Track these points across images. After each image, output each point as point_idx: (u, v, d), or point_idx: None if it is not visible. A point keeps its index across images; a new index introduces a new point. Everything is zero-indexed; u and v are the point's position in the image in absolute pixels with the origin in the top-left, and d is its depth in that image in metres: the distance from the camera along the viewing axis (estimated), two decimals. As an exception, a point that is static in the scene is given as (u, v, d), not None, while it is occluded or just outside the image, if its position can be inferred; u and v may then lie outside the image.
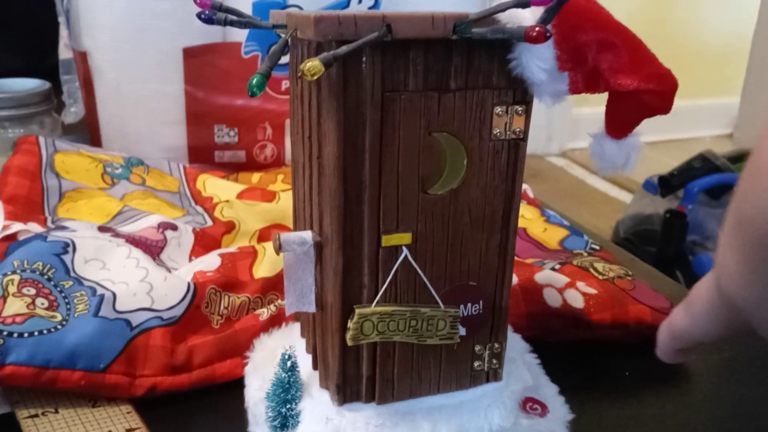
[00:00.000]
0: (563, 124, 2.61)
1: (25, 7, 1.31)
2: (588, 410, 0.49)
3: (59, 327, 0.49)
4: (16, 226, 0.61)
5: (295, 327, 0.50)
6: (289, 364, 0.42)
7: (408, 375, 0.41)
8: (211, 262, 0.60)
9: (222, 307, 0.56)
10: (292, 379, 0.42)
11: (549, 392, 0.46)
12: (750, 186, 0.26)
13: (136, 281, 0.55)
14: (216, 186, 0.84)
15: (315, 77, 0.31)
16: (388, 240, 0.37)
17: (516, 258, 0.52)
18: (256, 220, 0.73)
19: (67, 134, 0.99)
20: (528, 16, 0.34)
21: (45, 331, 0.49)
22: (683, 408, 0.51)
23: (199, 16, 0.38)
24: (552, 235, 0.74)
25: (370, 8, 0.90)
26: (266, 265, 0.60)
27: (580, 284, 0.59)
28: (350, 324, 0.38)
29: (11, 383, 0.47)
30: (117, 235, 0.63)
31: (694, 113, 2.59)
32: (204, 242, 0.67)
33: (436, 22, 0.34)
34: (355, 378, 0.40)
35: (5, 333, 0.48)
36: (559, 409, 0.45)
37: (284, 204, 0.76)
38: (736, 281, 0.28)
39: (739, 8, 2.61)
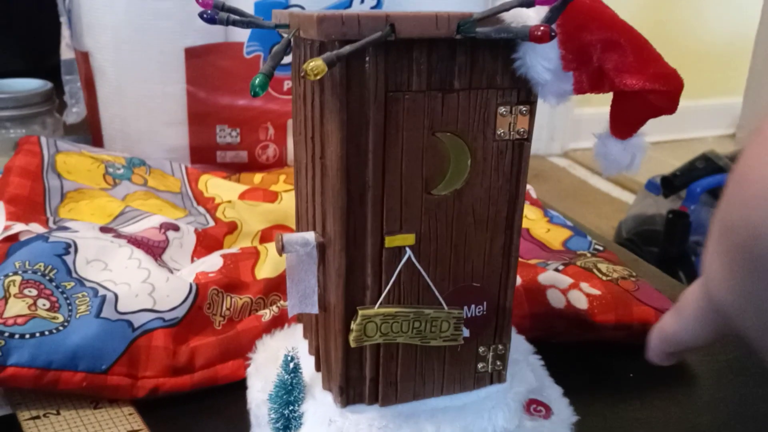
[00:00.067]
0: (565, 124, 2.61)
1: (26, 7, 1.31)
2: (592, 412, 0.48)
3: (61, 328, 0.49)
4: (18, 227, 0.61)
5: (298, 328, 0.50)
6: (291, 365, 0.42)
7: (411, 377, 0.41)
8: (213, 262, 0.59)
9: (224, 308, 0.56)
10: (294, 381, 0.42)
11: (553, 394, 0.46)
12: (733, 194, 0.26)
13: (138, 282, 0.55)
14: (218, 186, 0.84)
15: (318, 77, 0.30)
16: (391, 241, 0.37)
17: (519, 259, 0.51)
18: (258, 220, 0.73)
19: (69, 134, 0.99)
20: (532, 16, 0.34)
21: (46, 333, 0.49)
22: (688, 409, 0.51)
23: (201, 15, 0.38)
24: (555, 236, 0.74)
25: (372, 8, 0.90)
26: (269, 266, 0.59)
27: (584, 285, 0.59)
28: (353, 325, 0.38)
29: (12, 385, 0.47)
30: (119, 235, 0.62)
31: (696, 113, 2.59)
32: (206, 243, 0.67)
33: (440, 22, 0.34)
34: (358, 379, 0.40)
35: (6, 334, 0.48)
36: (564, 411, 0.45)
37: (286, 204, 0.76)
38: (722, 287, 0.29)
39: (742, 8, 2.61)
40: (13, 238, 0.59)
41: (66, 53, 0.98)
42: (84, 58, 0.91)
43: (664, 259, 1.43)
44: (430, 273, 0.39)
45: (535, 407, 0.44)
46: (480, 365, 0.42)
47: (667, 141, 2.48)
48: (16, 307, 0.50)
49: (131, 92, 0.90)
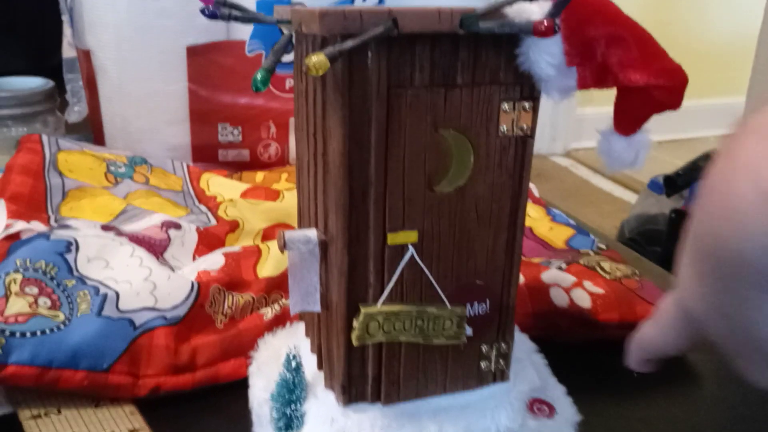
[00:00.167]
0: (568, 123, 2.61)
1: (28, 5, 1.31)
2: (596, 411, 0.48)
3: (62, 326, 0.49)
4: (19, 225, 0.60)
5: (300, 326, 0.49)
6: (293, 364, 0.41)
7: (414, 375, 0.40)
8: (214, 261, 0.59)
9: (226, 306, 0.55)
10: (296, 380, 0.41)
11: (556, 393, 0.46)
12: (702, 206, 0.27)
13: (139, 280, 0.55)
14: (220, 185, 0.84)
15: (320, 72, 0.30)
16: (393, 238, 0.37)
17: (522, 257, 0.51)
18: (260, 219, 0.72)
19: (71, 133, 0.99)
20: (536, 10, 0.33)
21: (47, 331, 0.48)
22: (691, 409, 0.51)
23: (202, 11, 0.38)
24: (558, 234, 0.74)
25: (375, 4, 0.89)
26: (270, 264, 0.59)
27: (587, 284, 0.59)
28: (356, 323, 0.37)
29: (13, 383, 0.47)
30: (120, 233, 0.62)
31: (699, 113, 2.58)
32: (208, 241, 0.67)
33: (443, 17, 0.33)
34: (361, 378, 0.40)
35: (7, 332, 0.48)
36: (567, 410, 0.45)
37: (288, 203, 0.76)
38: (693, 295, 0.30)
39: (745, 8, 2.61)
40: (14, 237, 0.58)
41: (68, 52, 0.98)
42: (86, 56, 0.91)
43: (667, 258, 1.43)
44: (432, 270, 0.38)
45: (539, 406, 0.44)
46: (483, 364, 0.42)
47: (669, 140, 2.48)
48: (17, 306, 0.50)
49: (133, 91, 0.89)
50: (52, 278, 0.53)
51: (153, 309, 0.53)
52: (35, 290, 0.52)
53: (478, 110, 0.36)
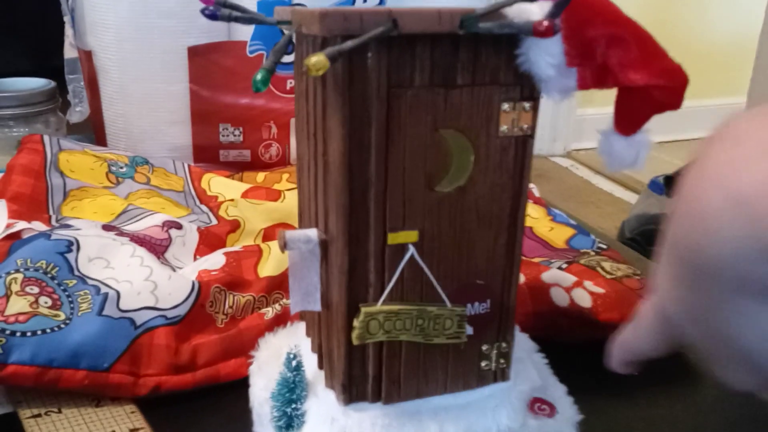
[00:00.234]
0: (568, 124, 2.60)
1: (30, 6, 1.31)
2: (597, 411, 0.48)
3: (62, 326, 0.49)
4: (20, 225, 0.61)
5: (301, 326, 0.49)
6: (294, 363, 0.41)
7: (414, 375, 0.40)
8: (215, 261, 0.59)
9: (227, 306, 0.55)
10: (297, 379, 0.41)
11: (557, 392, 0.46)
12: (677, 211, 0.28)
13: (140, 280, 0.55)
14: (221, 185, 0.84)
15: (320, 72, 0.30)
16: (394, 238, 0.37)
17: (523, 257, 0.51)
18: (261, 219, 0.72)
19: (72, 133, 0.99)
20: (536, 11, 0.33)
21: (48, 330, 0.49)
22: (693, 408, 0.51)
23: (203, 11, 0.38)
24: (559, 234, 0.74)
25: (375, 5, 0.89)
26: (271, 264, 0.59)
27: (588, 283, 0.59)
28: (356, 323, 0.37)
29: (14, 383, 0.47)
30: (121, 233, 0.62)
31: (700, 113, 2.58)
32: (209, 241, 0.67)
33: (443, 17, 0.33)
34: (361, 377, 0.40)
35: (8, 332, 0.48)
36: (568, 410, 0.45)
37: (289, 203, 0.76)
38: (670, 298, 0.30)
39: (746, 8, 2.60)
40: (15, 236, 0.59)
41: (69, 52, 0.98)
42: (87, 56, 0.91)
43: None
44: (433, 270, 0.38)
45: (539, 406, 0.44)
46: (483, 363, 0.42)
47: (670, 141, 2.48)
48: (18, 305, 0.50)
49: (134, 91, 0.90)
50: (52, 278, 0.53)
51: (154, 308, 0.53)
52: (36, 290, 0.52)
53: (478, 110, 0.36)
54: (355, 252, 0.37)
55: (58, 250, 0.55)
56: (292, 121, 0.91)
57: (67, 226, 0.63)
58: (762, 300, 0.26)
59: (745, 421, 0.50)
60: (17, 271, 0.53)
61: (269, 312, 0.55)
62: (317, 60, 0.30)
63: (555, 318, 0.56)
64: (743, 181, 0.24)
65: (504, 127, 0.37)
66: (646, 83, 0.35)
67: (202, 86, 0.88)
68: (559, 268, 0.62)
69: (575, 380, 0.47)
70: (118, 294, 0.53)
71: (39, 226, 0.62)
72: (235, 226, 0.70)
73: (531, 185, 0.84)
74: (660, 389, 0.52)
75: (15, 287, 0.51)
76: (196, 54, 0.87)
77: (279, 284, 0.58)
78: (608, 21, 0.35)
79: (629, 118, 0.38)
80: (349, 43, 0.32)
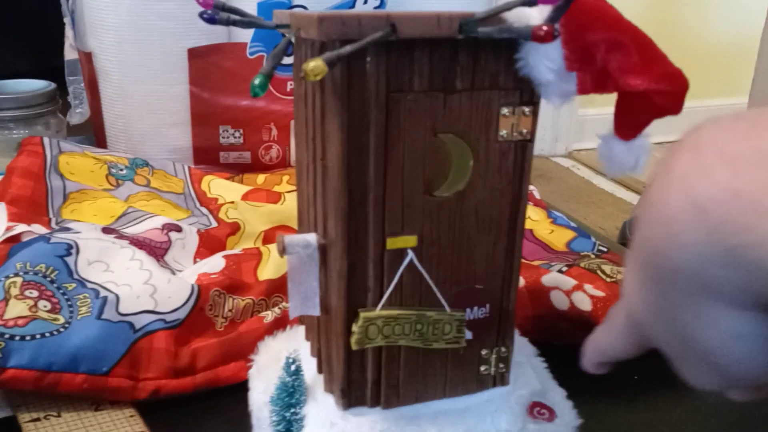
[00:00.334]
0: (569, 124, 2.60)
1: (30, 8, 1.31)
2: (596, 415, 0.48)
3: (62, 330, 0.49)
4: (20, 228, 0.60)
5: (300, 330, 0.49)
6: (293, 368, 0.41)
7: (413, 379, 0.40)
8: (215, 264, 0.59)
9: (226, 309, 0.55)
10: (296, 384, 0.41)
11: (557, 397, 0.46)
12: (642, 217, 0.28)
13: (139, 283, 0.55)
14: (221, 187, 0.84)
15: (318, 77, 0.30)
16: (393, 242, 0.37)
17: (522, 260, 0.51)
18: (261, 221, 0.72)
19: (73, 135, 0.99)
20: (535, 15, 0.33)
21: (47, 334, 0.48)
22: (693, 412, 0.51)
23: (201, 15, 0.37)
24: (559, 237, 0.74)
25: (375, 8, 0.89)
26: (271, 267, 0.59)
27: (588, 287, 0.59)
28: (355, 328, 0.37)
29: (13, 387, 0.47)
30: (121, 236, 0.62)
31: (701, 114, 2.58)
32: (209, 244, 0.67)
33: (442, 22, 0.33)
34: (360, 382, 0.40)
35: (7, 336, 0.48)
36: (567, 414, 0.45)
37: (289, 205, 0.76)
38: (637, 302, 0.31)
39: (747, 8, 2.60)
40: (14, 239, 0.58)
41: (70, 54, 0.98)
42: (87, 58, 0.91)
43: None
44: (432, 275, 0.38)
45: (539, 410, 0.44)
46: (483, 368, 0.42)
47: (671, 142, 2.47)
48: (17, 309, 0.50)
49: (134, 93, 0.90)
50: (52, 281, 0.53)
51: (153, 312, 0.53)
52: (35, 293, 0.52)
53: (478, 115, 0.36)
54: (354, 256, 0.37)
55: (57, 253, 0.55)
56: (293, 123, 0.91)
57: (67, 229, 0.63)
58: (721, 303, 0.26)
59: (745, 424, 0.50)
60: (16, 274, 0.53)
61: (269, 315, 0.55)
62: (315, 65, 0.30)
63: (555, 321, 0.56)
64: (703, 189, 0.25)
65: (503, 132, 0.37)
66: (646, 88, 0.35)
67: (203, 88, 0.88)
68: (559, 271, 0.62)
69: (575, 384, 0.47)
70: (118, 297, 0.52)
71: (39, 228, 0.62)
72: (235, 228, 0.70)
73: (531, 187, 0.84)
74: (659, 393, 0.52)
75: (14, 291, 0.51)
76: (196, 56, 0.87)
77: (279, 287, 0.58)
78: (608, 25, 0.35)
79: (629, 123, 0.38)
80: (348, 48, 0.31)
